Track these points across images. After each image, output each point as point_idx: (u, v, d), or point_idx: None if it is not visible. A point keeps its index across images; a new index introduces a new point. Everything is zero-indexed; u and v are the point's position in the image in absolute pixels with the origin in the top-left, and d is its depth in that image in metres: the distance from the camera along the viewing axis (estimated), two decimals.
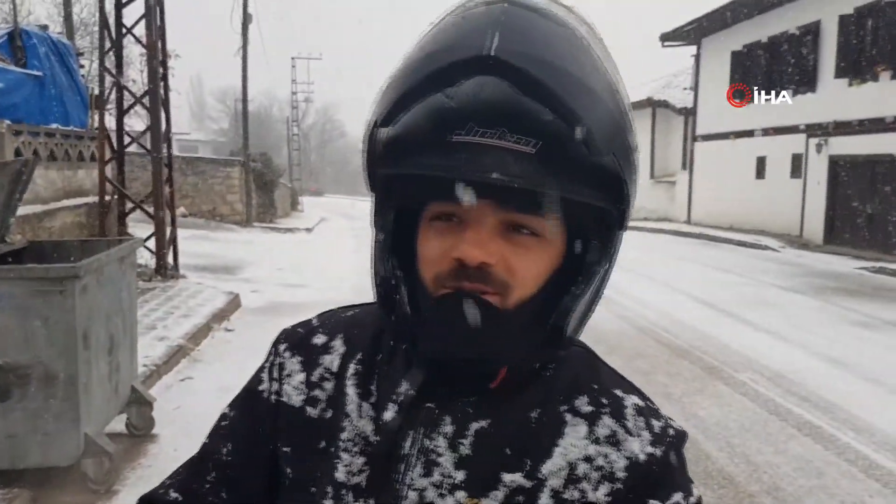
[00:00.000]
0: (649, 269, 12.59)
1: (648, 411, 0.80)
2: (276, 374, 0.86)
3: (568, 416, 0.78)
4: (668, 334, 7.63)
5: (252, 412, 0.87)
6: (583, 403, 0.79)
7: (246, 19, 22.65)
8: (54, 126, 10.05)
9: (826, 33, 16.62)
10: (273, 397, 0.85)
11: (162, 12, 9.65)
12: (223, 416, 0.89)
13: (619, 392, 0.81)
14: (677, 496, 0.75)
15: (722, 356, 6.76)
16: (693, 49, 22.92)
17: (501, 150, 0.66)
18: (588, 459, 0.75)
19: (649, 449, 0.76)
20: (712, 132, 21.28)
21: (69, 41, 12.86)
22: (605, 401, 0.79)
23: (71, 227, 9.53)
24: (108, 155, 9.76)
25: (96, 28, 21.04)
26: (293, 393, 0.84)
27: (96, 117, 10.86)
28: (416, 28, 0.77)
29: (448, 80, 0.66)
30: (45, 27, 11.73)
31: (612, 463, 0.75)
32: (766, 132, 18.55)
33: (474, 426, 0.76)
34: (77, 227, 9.74)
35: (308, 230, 21.54)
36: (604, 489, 0.74)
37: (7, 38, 9.90)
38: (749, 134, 19.33)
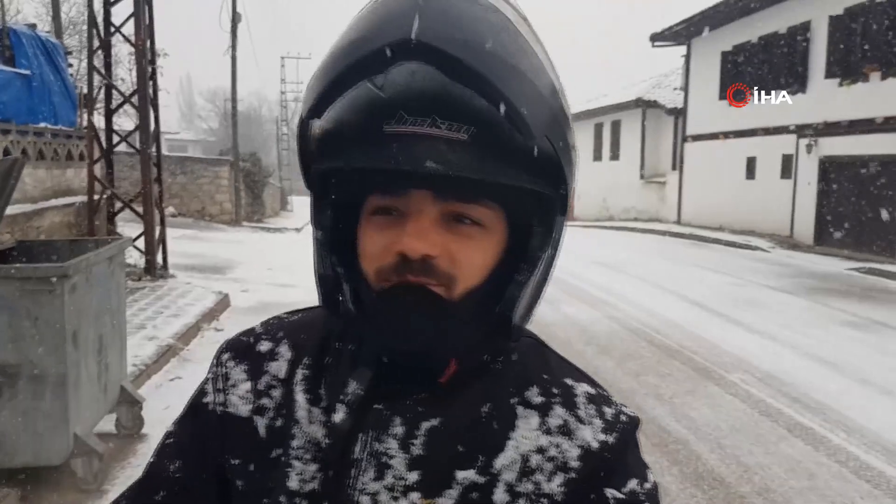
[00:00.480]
0: (640, 269, 12.63)
1: (600, 398, 0.80)
2: (220, 385, 0.84)
3: (519, 409, 0.77)
4: (658, 335, 7.65)
5: (198, 426, 0.84)
6: (534, 394, 0.78)
7: (235, 19, 22.58)
8: (43, 125, 9.96)
9: (816, 34, 16.71)
10: (219, 408, 0.83)
11: (151, 11, 9.60)
12: (168, 434, 0.86)
13: (569, 381, 0.81)
14: (632, 483, 0.75)
15: (713, 357, 6.78)
16: (683, 49, 23.01)
17: (435, 138, 0.65)
18: (541, 451, 0.75)
19: (601, 436, 0.76)
20: (702, 132, 21.36)
21: (58, 40, 12.76)
22: (556, 391, 0.79)
23: (60, 226, 9.46)
24: (96, 154, 9.70)
25: (85, 27, 20.92)
26: (239, 403, 0.82)
27: (85, 116, 10.78)
28: None
29: (373, 68, 0.65)
30: (33, 26, 11.63)
31: (564, 453, 0.75)
32: (756, 132, 18.63)
33: (425, 425, 0.74)
34: (66, 226, 9.67)
35: (297, 230, 21.50)
36: (558, 479, 0.74)
37: None
38: (739, 134, 19.41)
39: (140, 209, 9.65)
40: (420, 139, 0.65)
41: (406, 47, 0.62)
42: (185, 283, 9.39)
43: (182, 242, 12.95)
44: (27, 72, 9.86)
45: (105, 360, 4.12)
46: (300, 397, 0.79)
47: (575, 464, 0.75)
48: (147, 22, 9.49)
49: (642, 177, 25.22)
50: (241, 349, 0.86)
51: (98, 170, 9.75)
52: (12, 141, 8.86)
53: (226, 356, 0.86)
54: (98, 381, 4.03)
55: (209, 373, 0.87)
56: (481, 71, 0.62)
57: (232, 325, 7.57)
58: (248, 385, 0.82)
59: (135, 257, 9.44)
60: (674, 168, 23.76)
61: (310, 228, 0.79)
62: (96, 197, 9.73)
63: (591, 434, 0.76)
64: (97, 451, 3.74)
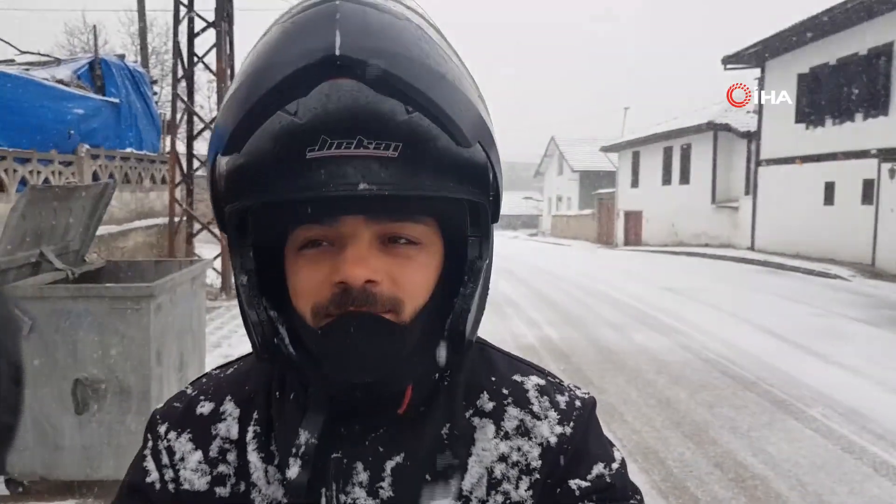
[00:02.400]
0: (712, 297, 12.29)
1: (551, 388, 0.78)
2: (165, 461, 0.77)
3: (475, 420, 0.75)
4: (734, 366, 7.41)
5: None
6: (485, 401, 0.76)
7: None
8: (129, 150, 10.48)
9: None
10: (171, 486, 0.76)
11: (231, 41, 10.01)
12: None
13: (517, 377, 0.79)
14: (598, 468, 0.74)
15: (791, 389, 6.52)
16: (756, 72, 22.48)
17: (363, 158, 0.61)
18: (503, 458, 0.73)
19: (558, 429, 0.75)
20: (777, 156, 20.74)
21: (143, 69, 13.42)
22: (506, 391, 0.77)
23: (142, 246, 9.88)
24: (177, 178, 10.12)
25: (168, 56, 21.88)
26: (194, 477, 0.75)
27: (167, 142, 11.28)
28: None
29: (296, 90, 0.59)
30: (121, 56, 12.29)
31: (526, 455, 0.73)
32: (835, 157, 17.99)
33: (389, 465, 0.71)
34: (147, 246, 10.09)
35: None
36: (524, 484, 0.73)
37: (87, 67, 10.41)
38: (816, 158, 18.78)
39: (217, 231, 9.99)
40: (348, 161, 0.61)
41: (330, 63, 0.57)
42: None
43: None
44: (116, 100, 10.41)
45: (185, 377, 4.27)
46: (254, 457, 0.74)
47: (536, 464, 0.73)
48: (228, 52, 9.89)
49: (714, 201, 24.62)
50: (179, 417, 0.79)
51: (178, 193, 10.17)
52: (101, 165, 9.33)
53: (163, 428, 0.79)
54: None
55: (144, 449, 0.79)
56: (411, 81, 0.58)
57: None
58: (197, 455, 0.76)
59: (211, 277, 9.76)
60: (747, 193, 23.11)
61: None
62: (176, 219, 10.13)
63: (548, 428, 0.75)
64: None
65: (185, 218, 10.21)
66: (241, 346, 6.90)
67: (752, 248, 21.67)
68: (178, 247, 10.13)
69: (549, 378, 0.80)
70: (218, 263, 9.68)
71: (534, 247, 29.42)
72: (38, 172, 8.06)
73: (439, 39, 0.66)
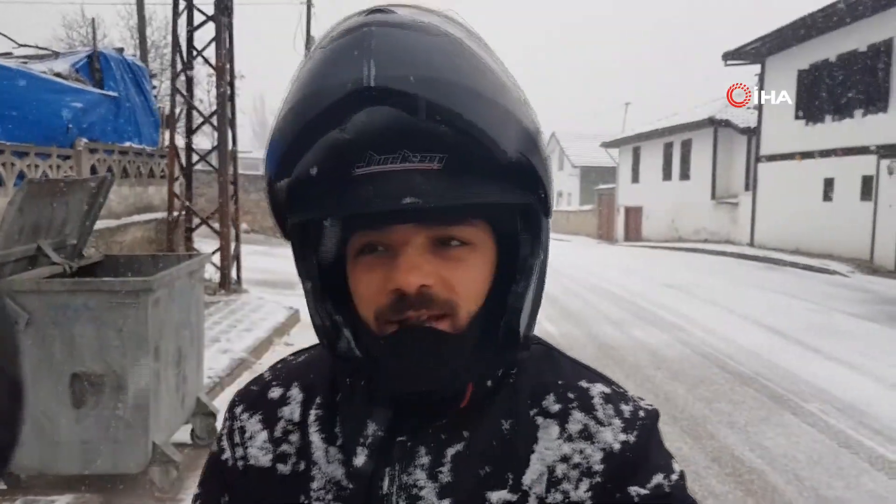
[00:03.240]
0: (712, 293, 12.30)
1: (616, 396, 0.79)
2: (237, 439, 0.83)
3: (539, 419, 0.77)
4: (732, 361, 7.42)
5: (221, 485, 0.84)
6: (550, 403, 0.77)
7: (309, 42, 23.23)
8: (127, 144, 10.45)
9: None
10: (240, 463, 0.82)
11: (231, 35, 9.98)
12: (195, 497, 0.86)
13: (583, 383, 0.80)
14: (657, 477, 0.74)
15: (789, 385, 6.53)
16: (757, 68, 22.45)
17: (408, 172, 0.64)
18: (565, 459, 0.74)
19: (622, 436, 0.75)
20: (777, 153, 20.74)
21: (142, 63, 13.38)
22: (571, 395, 0.78)
23: (140, 241, 9.87)
24: (176, 172, 10.10)
25: (167, 50, 21.83)
26: (259, 454, 0.81)
27: (166, 136, 11.26)
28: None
29: (334, 121, 0.63)
30: (120, 50, 12.24)
31: (588, 458, 0.74)
32: (835, 153, 17.98)
33: (450, 451, 0.74)
34: (146, 241, 10.08)
35: None
36: (584, 486, 0.74)
37: (86, 61, 10.37)
38: (816, 154, 18.77)
39: (216, 225, 9.98)
40: (393, 176, 0.64)
41: (366, 96, 0.61)
42: (258, 297, 9.65)
43: (254, 258, 13.30)
44: (114, 94, 10.37)
45: (183, 372, 4.27)
46: (315, 438, 0.79)
47: (598, 467, 0.74)
48: (227, 46, 9.86)
49: (714, 197, 24.62)
50: (253, 399, 0.85)
51: (177, 187, 10.15)
52: (99, 159, 9.31)
53: (239, 409, 0.85)
54: (176, 393, 4.17)
55: (223, 428, 0.86)
56: (443, 104, 0.61)
57: (302, 340, 7.72)
58: (264, 434, 0.82)
59: (210, 272, 9.75)
60: (747, 189, 23.12)
61: None
62: (175, 213, 10.12)
63: (612, 435, 0.75)
64: (174, 460, 3.87)
65: (183, 212, 10.20)
66: (240, 341, 6.89)
67: (751, 244, 21.68)
68: (177, 241, 10.13)
69: (614, 387, 0.82)
70: (217, 258, 9.68)
71: None
72: (36, 166, 8.04)
73: (479, 48, 0.67)
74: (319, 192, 0.67)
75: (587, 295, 11.97)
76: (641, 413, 0.78)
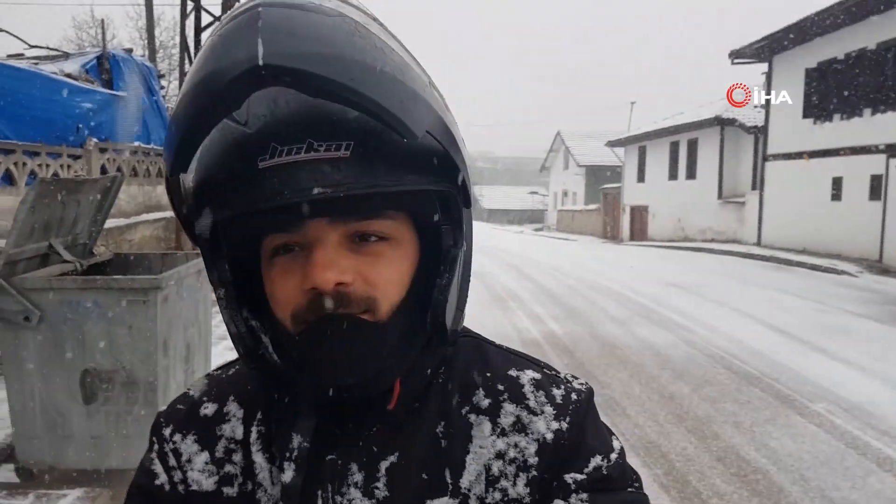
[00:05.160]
0: (718, 292, 12.28)
1: (547, 381, 0.77)
2: (172, 463, 0.77)
3: (472, 417, 0.75)
4: (737, 361, 7.42)
5: None
6: (481, 398, 0.75)
7: None
8: (136, 144, 10.52)
9: None
10: (180, 488, 0.77)
11: None
12: None
13: (513, 372, 0.78)
14: (595, 460, 0.73)
15: (795, 385, 6.53)
16: (764, 66, 22.38)
17: (314, 162, 0.61)
18: (500, 455, 0.73)
19: (554, 424, 0.74)
20: (784, 151, 20.67)
21: (151, 63, 13.46)
22: (501, 387, 0.76)
23: (149, 239, 9.93)
24: None
25: (175, 50, 21.92)
26: (201, 478, 0.76)
27: None
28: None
29: (229, 103, 0.59)
30: (129, 51, 12.32)
31: (523, 451, 0.73)
32: (842, 152, 17.92)
33: (384, 464, 0.71)
34: (155, 240, 10.14)
35: None
36: (522, 481, 0.72)
37: (96, 62, 10.45)
38: (824, 154, 18.70)
39: None
40: (300, 167, 0.61)
41: (256, 75, 0.55)
42: None
43: None
44: (123, 94, 10.45)
45: (191, 369, 4.31)
46: (258, 457, 0.75)
47: (533, 460, 0.73)
48: None
49: (720, 197, 24.55)
50: (182, 419, 0.79)
51: None
52: (109, 158, 9.38)
53: (167, 430, 0.79)
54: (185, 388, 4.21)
55: (151, 452, 0.80)
56: (342, 81, 0.56)
57: None
58: (204, 456, 0.76)
59: None
60: (753, 188, 23.05)
61: None
62: None
63: (545, 424, 0.74)
64: None
65: None
66: None
67: (758, 244, 21.61)
68: (185, 240, 10.18)
69: (544, 370, 0.80)
70: None
71: (539, 242, 29.40)
72: (47, 166, 8.11)
73: (379, 30, 0.64)
74: (224, 191, 0.63)
75: (592, 294, 11.97)
76: (574, 396, 0.76)
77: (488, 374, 0.77)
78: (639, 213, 29.73)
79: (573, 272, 14.99)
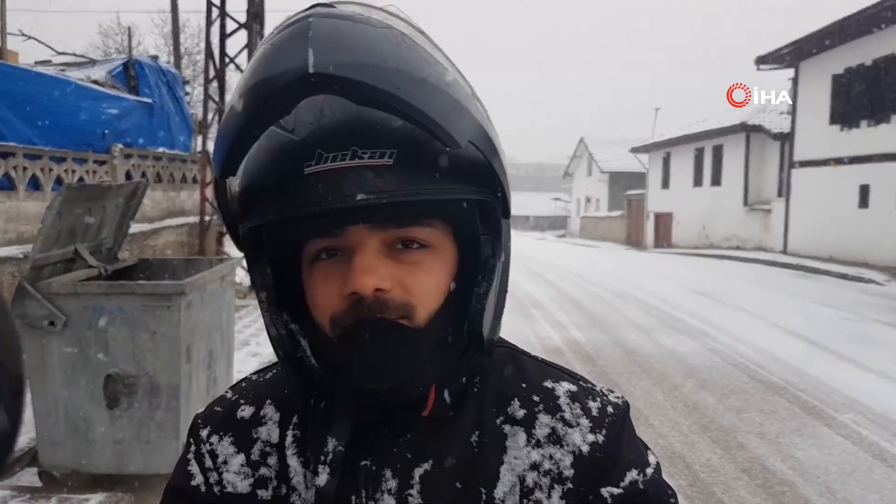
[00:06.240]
0: (743, 300, 12.13)
1: (583, 393, 0.77)
2: (209, 464, 0.78)
3: (506, 427, 0.74)
4: (762, 370, 7.31)
5: None
6: (516, 408, 0.75)
7: None
8: (161, 150, 10.65)
9: None
10: (216, 489, 0.77)
11: None
12: None
13: (548, 383, 0.78)
14: (631, 474, 0.73)
15: (821, 395, 6.42)
16: (790, 72, 22.13)
17: (359, 169, 0.62)
18: (535, 467, 0.72)
19: (590, 437, 0.74)
20: (811, 158, 20.40)
21: (176, 70, 13.62)
22: (536, 398, 0.76)
23: (173, 244, 10.03)
24: (208, 177, 10.26)
25: (200, 57, 22.19)
26: (237, 479, 0.76)
27: (199, 141, 11.44)
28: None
29: (277, 110, 0.61)
30: (155, 57, 12.48)
31: (558, 463, 0.73)
32: (871, 159, 17.64)
33: (418, 472, 0.71)
34: (178, 245, 10.25)
35: None
36: (556, 494, 0.72)
37: (122, 68, 10.60)
38: (851, 161, 18.43)
39: None
40: (345, 173, 0.62)
41: (306, 83, 0.58)
42: None
43: None
44: (149, 100, 10.58)
45: (213, 375, 4.33)
46: (293, 462, 0.75)
47: (569, 473, 0.72)
48: None
49: (746, 203, 24.28)
50: (219, 421, 0.80)
51: (209, 192, 10.30)
52: (134, 164, 9.50)
53: (205, 432, 0.80)
54: (207, 395, 4.23)
55: (188, 453, 0.80)
56: (388, 90, 0.58)
57: None
58: (240, 458, 0.77)
59: (240, 276, 9.87)
60: (780, 195, 22.77)
61: None
62: (207, 218, 10.26)
63: (580, 437, 0.73)
64: None
65: (215, 217, 10.34)
66: (269, 344, 6.96)
67: (784, 251, 21.34)
68: (208, 245, 10.28)
69: (580, 383, 0.79)
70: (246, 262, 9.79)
71: (561, 248, 29.27)
72: (73, 171, 8.23)
73: (424, 42, 0.65)
74: (270, 196, 0.65)
75: (615, 301, 11.88)
76: (610, 409, 0.76)
77: (523, 385, 0.77)
78: (663, 220, 29.51)
79: (596, 279, 14.90)
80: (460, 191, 0.66)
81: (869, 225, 17.57)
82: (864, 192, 18.06)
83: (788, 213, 21.53)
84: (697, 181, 27.65)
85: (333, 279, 0.67)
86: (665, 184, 30.40)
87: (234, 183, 0.69)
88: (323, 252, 0.69)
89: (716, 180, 26.35)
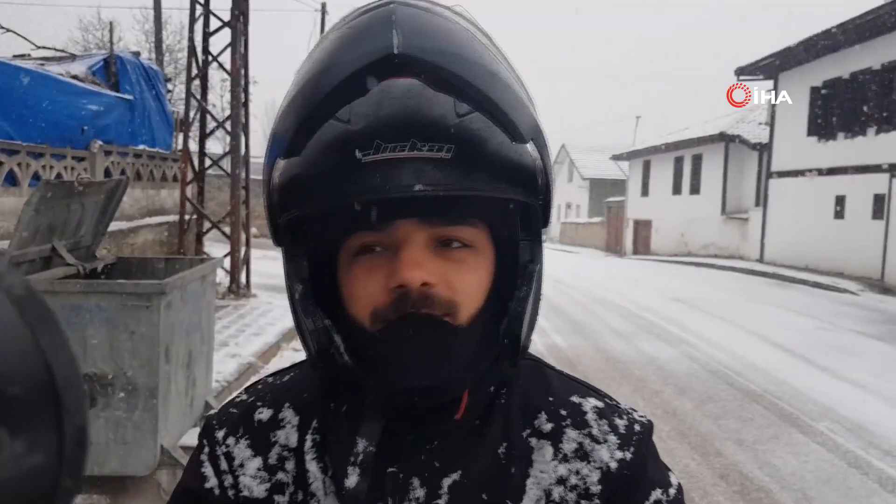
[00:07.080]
0: (720, 308, 12.25)
1: (609, 410, 0.77)
2: (224, 467, 0.76)
3: (533, 441, 0.74)
4: (740, 378, 7.39)
5: None
6: (543, 422, 0.75)
7: None
8: (141, 147, 10.53)
9: None
10: (231, 492, 0.75)
11: (246, 42, 10.04)
12: None
13: (575, 398, 0.77)
14: (655, 493, 0.73)
15: (798, 403, 6.49)
16: (769, 84, 22.43)
17: (417, 160, 0.62)
18: (561, 481, 0.72)
19: (618, 454, 0.73)
20: (788, 169, 20.68)
21: (157, 67, 13.49)
22: (564, 412, 0.76)
23: (152, 243, 9.92)
24: (189, 176, 10.16)
25: (181, 54, 22.01)
26: (253, 484, 0.74)
27: (180, 139, 11.33)
28: None
29: (355, 90, 0.61)
30: (136, 54, 12.35)
31: (584, 479, 0.72)
32: (846, 171, 17.92)
33: (446, 482, 0.71)
34: (157, 244, 10.14)
35: None
36: None
37: (102, 64, 10.47)
38: (828, 172, 18.71)
39: (227, 230, 10.01)
40: (403, 163, 0.62)
41: (390, 63, 0.58)
42: (267, 302, 9.67)
43: (264, 263, 13.31)
44: (130, 97, 10.46)
45: (193, 376, 4.29)
46: (312, 467, 0.73)
47: (596, 489, 0.72)
48: (242, 51, 9.92)
49: (724, 212, 24.56)
50: (236, 422, 0.78)
51: (190, 191, 10.20)
52: (113, 161, 9.39)
53: (220, 433, 0.78)
54: (186, 396, 4.18)
55: (201, 454, 0.78)
56: (468, 79, 0.60)
57: None
58: (257, 462, 0.75)
59: (220, 276, 9.79)
60: (757, 204, 23.05)
61: None
62: (187, 217, 10.16)
63: (608, 453, 0.73)
64: (182, 463, 3.87)
65: (195, 216, 10.24)
66: (248, 345, 6.91)
67: (761, 260, 21.59)
68: (188, 245, 10.17)
69: (606, 399, 0.79)
70: (227, 262, 9.71)
71: None
72: (51, 167, 8.11)
73: (489, 43, 0.68)
74: (323, 185, 0.64)
75: (595, 308, 11.94)
76: (637, 427, 0.76)
77: (550, 399, 0.77)
78: (642, 227, 29.74)
79: (577, 285, 14.96)
80: (511, 191, 0.66)
81: (844, 235, 17.84)
82: (840, 202, 18.34)
83: (765, 222, 21.80)
84: (677, 189, 27.91)
85: (377, 273, 0.67)
86: (645, 191, 30.65)
87: (276, 174, 0.68)
88: (365, 247, 0.68)
89: (695, 189, 26.62)
